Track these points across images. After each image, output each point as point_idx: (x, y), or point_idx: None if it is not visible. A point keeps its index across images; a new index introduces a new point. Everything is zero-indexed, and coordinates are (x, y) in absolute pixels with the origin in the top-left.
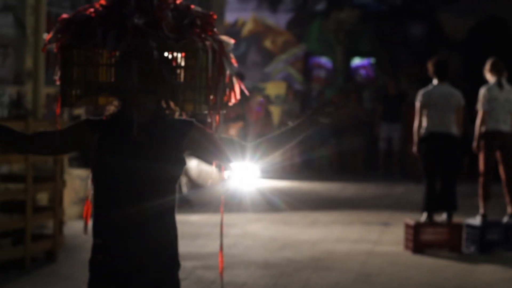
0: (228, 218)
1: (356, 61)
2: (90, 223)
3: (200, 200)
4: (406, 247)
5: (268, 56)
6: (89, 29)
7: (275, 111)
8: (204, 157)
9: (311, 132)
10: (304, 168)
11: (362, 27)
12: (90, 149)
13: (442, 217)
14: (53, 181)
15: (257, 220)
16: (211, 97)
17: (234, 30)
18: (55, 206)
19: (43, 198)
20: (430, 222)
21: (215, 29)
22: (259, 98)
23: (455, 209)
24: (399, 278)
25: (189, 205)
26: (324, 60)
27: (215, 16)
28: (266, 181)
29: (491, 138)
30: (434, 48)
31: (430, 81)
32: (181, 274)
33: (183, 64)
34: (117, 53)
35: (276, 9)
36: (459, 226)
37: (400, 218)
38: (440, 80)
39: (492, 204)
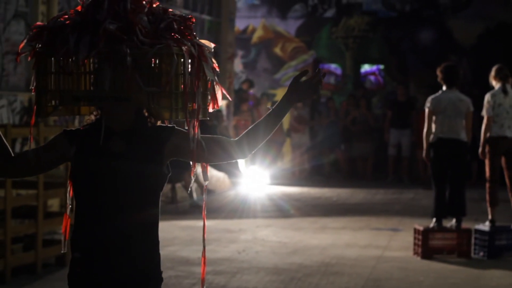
0: (238, 223)
1: (366, 68)
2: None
3: (210, 205)
4: (415, 252)
5: (278, 63)
6: (63, 36)
7: (285, 118)
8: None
9: (324, 140)
10: (314, 174)
11: (372, 33)
12: (70, 161)
13: (451, 222)
14: (64, 187)
15: (267, 225)
16: (191, 104)
17: (244, 37)
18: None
19: (54, 203)
20: (439, 227)
21: (194, 33)
22: (251, 91)
23: (464, 214)
24: (408, 283)
25: (199, 211)
26: (334, 67)
27: (193, 19)
28: (276, 187)
29: (496, 143)
30: (443, 54)
31: (440, 87)
32: (191, 279)
33: (158, 70)
34: (91, 61)
35: (285, 16)
36: (468, 232)
37: (409, 224)
38: (449, 86)
39: (500, 210)
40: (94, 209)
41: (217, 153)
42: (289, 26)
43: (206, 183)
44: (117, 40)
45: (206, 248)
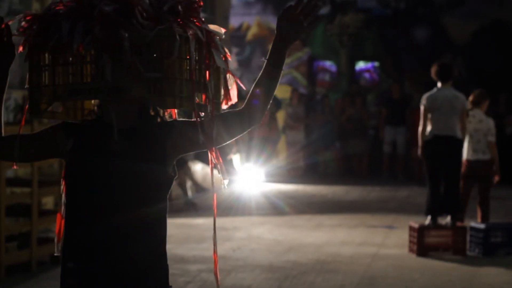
0: (233, 221)
1: (360, 65)
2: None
3: (205, 203)
4: (411, 250)
5: None
6: (56, 24)
7: (280, 115)
8: (201, 149)
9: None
10: (309, 171)
11: (366, 31)
12: (63, 156)
13: (446, 220)
14: (59, 185)
15: (262, 223)
16: (199, 93)
17: (238, 34)
18: None
19: (48, 202)
20: (434, 225)
21: (202, 18)
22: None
23: (459, 212)
24: (404, 281)
25: (194, 209)
26: (329, 64)
27: (201, 3)
28: (271, 184)
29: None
30: (438, 52)
31: (434, 84)
32: (186, 277)
33: (160, 54)
34: (85, 49)
35: None
36: (463, 229)
37: (405, 221)
38: (444, 83)
39: (495, 207)
40: (88, 211)
41: (229, 130)
42: None
43: (235, 170)
44: (114, 24)
45: (201, 245)
